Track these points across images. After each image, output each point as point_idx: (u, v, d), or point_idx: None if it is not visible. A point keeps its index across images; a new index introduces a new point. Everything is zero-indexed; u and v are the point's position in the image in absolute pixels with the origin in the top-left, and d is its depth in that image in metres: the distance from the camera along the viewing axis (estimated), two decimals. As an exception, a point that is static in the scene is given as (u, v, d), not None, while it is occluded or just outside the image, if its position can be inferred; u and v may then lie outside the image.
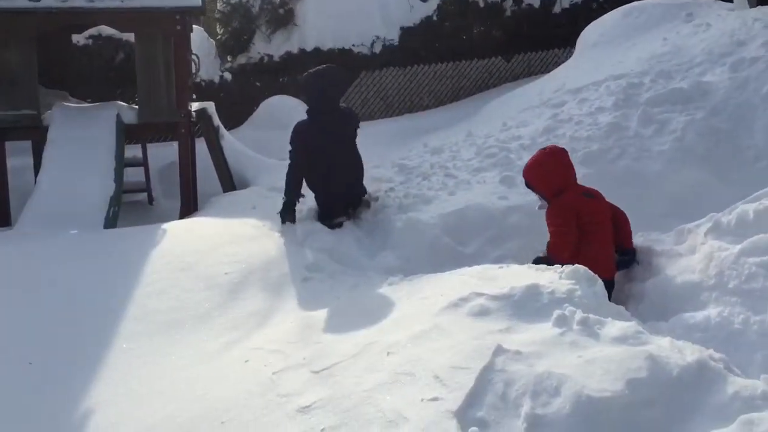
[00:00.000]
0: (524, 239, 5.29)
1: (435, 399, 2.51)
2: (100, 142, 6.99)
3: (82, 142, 6.93)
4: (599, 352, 2.66)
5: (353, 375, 2.83)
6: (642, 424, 2.37)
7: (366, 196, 5.86)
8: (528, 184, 4.61)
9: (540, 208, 4.62)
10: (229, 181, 8.01)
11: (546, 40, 12.25)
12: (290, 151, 5.70)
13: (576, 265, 3.46)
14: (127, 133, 7.50)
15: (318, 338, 3.32)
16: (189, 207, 7.44)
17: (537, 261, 4.25)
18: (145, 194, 8.67)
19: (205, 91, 11.24)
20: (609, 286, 4.06)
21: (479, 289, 3.33)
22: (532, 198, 5.61)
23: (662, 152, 5.95)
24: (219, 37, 11.81)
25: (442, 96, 12.41)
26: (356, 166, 5.84)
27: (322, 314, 3.69)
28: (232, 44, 11.56)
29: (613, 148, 6.06)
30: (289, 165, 5.67)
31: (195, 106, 8.07)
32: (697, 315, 3.52)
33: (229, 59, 11.72)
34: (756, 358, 3.18)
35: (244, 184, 7.99)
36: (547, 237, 4.44)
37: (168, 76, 7.37)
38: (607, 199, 4.61)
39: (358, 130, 5.98)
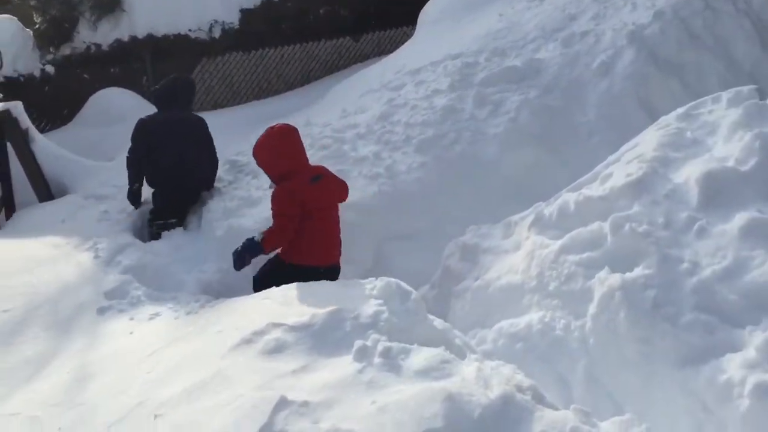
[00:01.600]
0: (358, 239, 4.93)
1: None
2: None
3: None
4: (396, 395, 2.30)
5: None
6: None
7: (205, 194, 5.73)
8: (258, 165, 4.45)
9: (270, 187, 4.52)
10: (45, 190, 7.13)
11: (395, 17, 11.94)
12: (131, 145, 5.64)
13: (388, 279, 3.11)
14: None
15: (84, 397, 2.79)
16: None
17: (245, 245, 4.18)
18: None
19: (25, 87, 10.12)
20: (332, 272, 4.25)
21: (278, 317, 2.92)
22: (366, 193, 5.30)
23: (497, 134, 5.75)
24: (36, 26, 10.66)
25: (292, 80, 11.87)
26: (202, 168, 5.76)
27: (102, 360, 3.15)
28: (52, 34, 10.46)
29: (448, 132, 5.81)
30: (127, 157, 5.64)
31: (1, 106, 7.11)
32: (519, 321, 3.27)
33: (51, 50, 10.61)
34: (578, 369, 2.96)
35: (63, 192, 7.16)
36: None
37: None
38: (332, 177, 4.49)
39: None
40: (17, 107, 7.33)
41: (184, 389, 2.52)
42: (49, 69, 10.44)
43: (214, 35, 10.94)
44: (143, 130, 5.61)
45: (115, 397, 2.66)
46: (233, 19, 11.06)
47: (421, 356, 2.55)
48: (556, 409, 2.30)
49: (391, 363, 2.53)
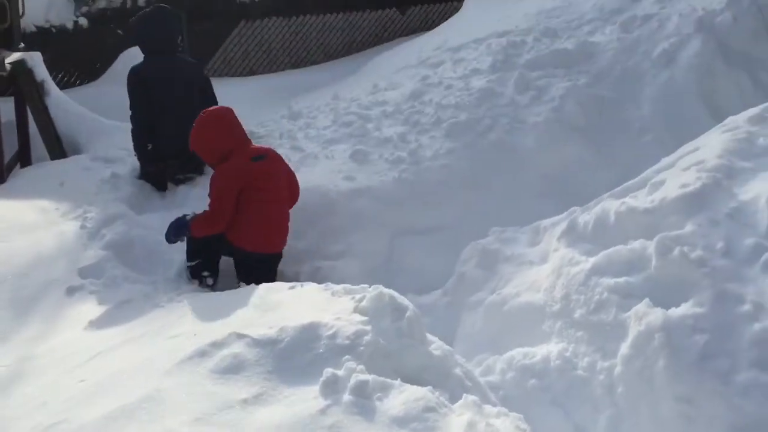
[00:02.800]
0: (369, 230, 4.44)
1: None
2: None
3: None
4: (359, 451, 1.81)
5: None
6: None
7: None
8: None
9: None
10: (57, 147, 6.79)
11: (446, -10, 11.28)
12: (130, 100, 5.26)
13: (381, 290, 2.60)
14: None
15: (2, 405, 2.36)
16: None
17: (174, 224, 3.91)
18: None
19: (57, 38, 9.82)
20: (275, 259, 4.03)
21: (244, 327, 2.45)
22: (386, 179, 4.79)
23: (537, 124, 5.16)
24: (73, -23, 10.32)
25: (332, 50, 11.32)
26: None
27: (45, 355, 2.73)
28: (89, -16, 10.12)
29: (483, 118, 5.23)
30: (131, 115, 5.24)
31: (13, 56, 6.77)
32: (535, 352, 2.74)
33: (87, 3, 10.28)
34: (600, 421, 2.41)
35: (76, 151, 6.81)
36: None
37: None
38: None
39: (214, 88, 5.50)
40: (33, 58, 6.98)
41: (108, 413, 2.07)
42: (83, 22, 10.12)
43: (254, -3, 10.46)
44: (142, 83, 5.16)
45: (33, 412, 2.23)
46: (275, -19, 10.55)
47: (401, 398, 2.05)
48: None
49: (364, 403, 2.03)
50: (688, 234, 2.65)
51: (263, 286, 2.90)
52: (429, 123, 5.29)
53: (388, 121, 5.46)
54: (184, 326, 2.65)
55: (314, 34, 11.14)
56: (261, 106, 8.08)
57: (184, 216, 3.96)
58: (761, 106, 3.44)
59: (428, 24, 11.53)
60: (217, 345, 2.36)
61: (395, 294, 2.61)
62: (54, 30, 9.89)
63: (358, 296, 2.61)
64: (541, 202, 4.79)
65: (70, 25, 10.09)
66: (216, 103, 5.51)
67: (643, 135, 5.16)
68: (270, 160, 4.11)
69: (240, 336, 2.38)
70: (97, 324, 3.05)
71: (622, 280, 2.65)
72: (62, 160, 6.25)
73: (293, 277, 4.10)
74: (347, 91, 6.66)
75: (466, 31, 7.02)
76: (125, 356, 2.51)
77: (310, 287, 2.82)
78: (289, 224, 4.13)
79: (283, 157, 5.18)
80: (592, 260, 2.84)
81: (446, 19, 10.93)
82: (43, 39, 9.80)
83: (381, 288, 2.59)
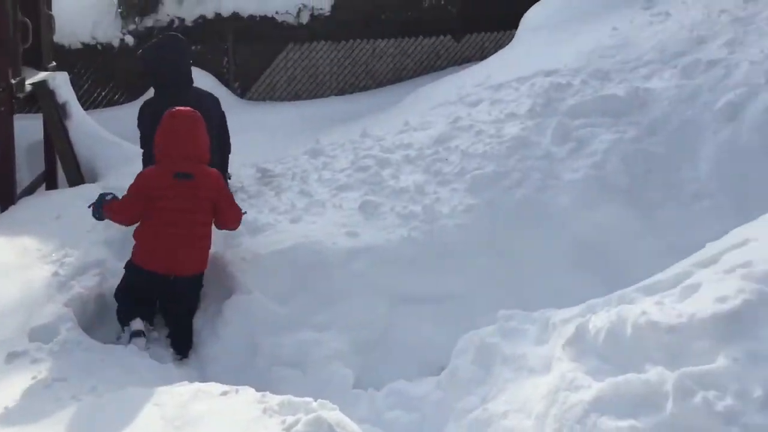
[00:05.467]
0: (365, 297, 3.92)
1: None
2: None
3: None
4: None
5: None
6: None
7: None
8: None
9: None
10: (75, 173, 6.57)
11: (503, 18, 10.71)
12: (141, 137, 4.91)
13: (318, 416, 2.09)
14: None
15: None
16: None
17: (97, 199, 3.97)
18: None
19: (102, 56, 9.75)
20: (181, 285, 3.83)
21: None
22: (392, 236, 4.27)
23: (574, 182, 4.54)
24: (122, -6, 10.25)
25: (381, 77, 10.90)
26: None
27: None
28: (137, 2, 10.01)
29: (512, 171, 4.65)
30: (143, 153, 4.87)
31: (37, 77, 6.59)
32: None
33: (134, 20, 10.19)
34: None
35: (93, 177, 6.57)
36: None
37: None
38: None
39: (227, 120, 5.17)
40: (57, 78, 6.80)
41: None
42: (129, 39, 10.02)
43: (301, 20, 10.17)
44: (154, 119, 4.77)
45: None
46: (324, 5, 10.24)
47: None
48: None
49: None
50: (719, 371, 2.03)
51: (193, 388, 2.42)
52: (452, 173, 4.75)
53: (408, 167, 4.95)
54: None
55: (363, 59, 10.76)
56: (293, 135, 7.71)
57: (105, 195, 4.03)
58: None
59: (483, 53, 10.97)
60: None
61: (342, 420, 2.09)
62: (100, 47, 9.82)
63: (290, 419, 2.10)
64: (574, 275, 4.19)
65: (116, 42, 10.01)
66: (228, 139, 5.14)
67: (698, 200, 4.47)
68: (195, 183, 3.89)
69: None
70: (7, 414, 2.63)
71: (626, 424, 2.05)
72: (67, 189, 6.00)
73: (270, 351, 3.64)
74: (377, 127, 6.19)
75: (513, 66, 6.46)
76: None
77: (245, 397, 2.32)
78: (207, 253, 3.96)
79: (289, 203, 4.76)
80: (596, 387, 2.24)
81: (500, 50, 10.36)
82: (89, 56, 9.77)
83: (321, 413, 2.07)
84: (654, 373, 2.16)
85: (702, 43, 5.52)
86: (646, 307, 2.45)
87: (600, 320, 2.55)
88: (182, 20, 10.27)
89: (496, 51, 10.81)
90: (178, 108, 4.04)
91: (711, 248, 2.88)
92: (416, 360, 3.76)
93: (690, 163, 4.63)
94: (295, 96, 10.38)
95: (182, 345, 3.81)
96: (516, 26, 10.22)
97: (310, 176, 5.15)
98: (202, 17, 10.20)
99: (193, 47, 10.04)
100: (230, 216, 3.99)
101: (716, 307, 2.23)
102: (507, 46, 7.81)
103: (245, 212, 4.22)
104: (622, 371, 2.26)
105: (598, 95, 5.17)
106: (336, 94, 10.67)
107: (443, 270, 4.13)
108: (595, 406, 2.17)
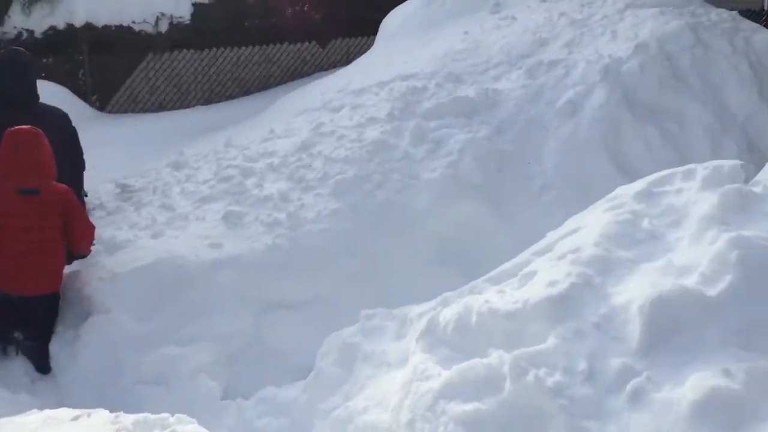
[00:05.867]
0: (232, 307, 3.92)
1: None
2: None
3: None
4: None
5: None
6: None
7: None
8: None
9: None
10: None
11: (368, 24, 10.91)
12: None
13: (174, 431, 2.09)
14: None
15: None
16: None
17: None
18: None
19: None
20: (34, 304, 3.69)
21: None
22: (257, 245, 4.29)
23: (432, 181, 4.74)
24: (-37, 6, 9.61)
25: (249, 84, 10.83)
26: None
27: None
28: (-21, 16, 9.42)
29: (373, 174, 4.79)
30: None
31: None
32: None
33: (-26, 33, 9.58)
34: None
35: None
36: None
37: None
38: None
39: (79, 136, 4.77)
40: None
41: None
42: (-28, 53, 9.40)
43: (160, 29, 9.92)
44: None
45: None
46: (183, 12, 10.04)
47: None
48: None
49: None
50: (549, 350, 2.22)
51: (42, 416, 2.35)
52: (316, 179, 4.82)
53: (272, 175, 4.97)
54: None
55: (228, 67, 10.63)
56: (156, 147, 7.51)
57: None
58: (649, 179, 3.07)
59: (349, 57, 11.13)
60: None
61: None
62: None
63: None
64: (434, 271, 4.37)
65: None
66: (81, 155, 4.89)
67: (545, 193, 4.79)
68: (42, 199, 3.77)
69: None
70: None
71: (471, 407, 2.20)
72: None
73: (133, 370, 3.57)
74: (242, 136, 6.16)
75: (373, 72, 6.62)
76: None
77: (97, 419, 2.29)
78: (60, 271, 3.85)
79: (150, 218, 4.66)
80: (445, 375, 2.38)
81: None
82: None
83: (176, 428, 2.08)
84: (495, 356, 2.33)
85: (544, 45, 5.90)
86: (489, 296, 2.62)
87: (449, 312, 2.71)
88: (31, 32, 9.77)
89: (361, 55, 11.04)
90: (18, 127, 3.88)
91: (549, 237, 3.12)
92: (286, 366, 3.80)
93: (537, 158, 4.95)
94: (159, 107, 10.10)
95: (39, 370, 3.67)
96: (377, 32, 10.44)
97: (172, 189, 5.06)
98: (53, 28, 9.74)
99: (45, 60, 9.61)
100: (82, 233, 3.88)
101: (547, 291, 2.43)
102: (367, 52, 7.99)
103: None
104: (469, 358, 2.41)
105: (451, 97, 5.41)
106: (202, 104, 10.49)
107: (310, 274, 4.19)
108: (443, 393, 2.31)
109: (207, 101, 10.58)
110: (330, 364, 3.11)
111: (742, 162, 2.91)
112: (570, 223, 3.10)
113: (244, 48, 10.69)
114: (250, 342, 3.84)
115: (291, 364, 3.82)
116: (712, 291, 2.27)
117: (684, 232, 2.65)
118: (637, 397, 2.02)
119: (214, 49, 10.50)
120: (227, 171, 5.08)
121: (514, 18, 6.59)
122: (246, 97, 10.70)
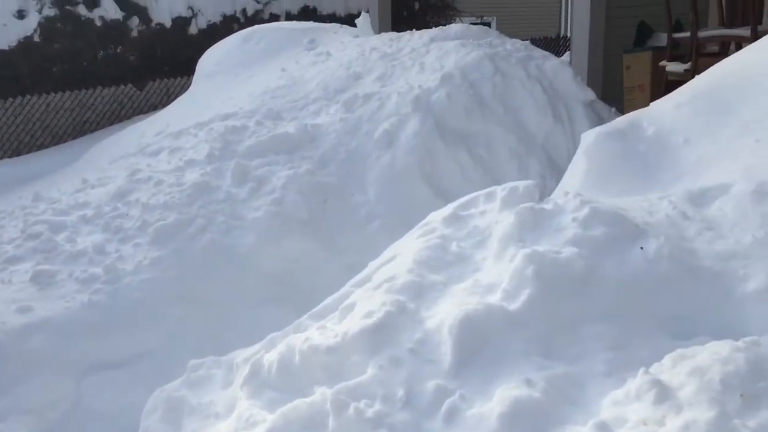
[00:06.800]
0: (47, 375, 3.64)
1: None
2: None
3: None
4: None
5: None
6: None
7: None
8: None
9: None
10: None
11: (185, 64, 10.72)
12: None
13: None
14: None
15: None
16: None
17: None
18: None
19: None
20: None
21: None
22: (72, 304, 4.03)
23: (256, 220, 4.70)
24: None
25: (62, 132, 10.27)
26: None
27: None
28: None
29: (196, 217, 4.67)
30: None
31: None
32: None
33: None
34: None
35: None
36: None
37: None
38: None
39: None
40: None
41: None
42: None
43: (-46, 79, 9.17)
44: None
45: None
46: (-21, 60, 9.36)
47: None
48: None
49: None
50: (368, 381, 2.26)
51: None
52: (133, 228, 4.62)
53: (86, 228, 4.71)
54: None
55: (37, 115, 10.02)
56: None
57: None
58: (456, 203, 3.25)
59: (170, 98, 10.87)
60: None
61: None
62: None
63: None
64: (268, 310, 4.30)
65: None
66: None
67: (370, 222, 4.91)
68: None
69: None
70: None
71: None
72: None
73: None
74: (53, 188, 5.79)
75: (191, 113, 6.50)
76: None
77: None
78: None
79: (-53, 286, 4.25)
80: (269, 419, 2.35)
81: (186, 95, 10.32)
82: None
83: None
84: (318, 394, 2.33)
85: (359, 79, 6.09)
86: (311, 333, 2.63)
87: (274, 353, 2.68)
88: None
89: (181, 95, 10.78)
90: None
91: (369, 267, 3.19)
92: (112, 428, 3.58)
93: (360, 188, 5.07)
94: (-42, 163, 9.31)
95: None
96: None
97: (-28, 252, 4.64)
98: None
99: None
100: None
101: (364, 322, 2.48)
102: (186, 93, 7.83)
103: None
104: (293, 398, 2.40)
105: (271, 134, 5.42)
106: (9, 156, 9.81)
107: (135, 329, 4.00)
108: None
109: (15, 153, 9.91)
110: (156, 421, 2.97)
111: (534, 182, 3.15)
112: (388, 252, 3.20)
113: (53, 94, 10.14)
114: (71, 409, 3.58)
115: (118, 426, 3.61)
116: (514, 305, 2.42)
117: (488, 252, 2.82)
118: (451, 417, 2.11)
119: (20, 97, 9.88)
120: (35, 227, 4.74)
121: (329, 54, 6.76)
122: (60, 145, 10.13)
